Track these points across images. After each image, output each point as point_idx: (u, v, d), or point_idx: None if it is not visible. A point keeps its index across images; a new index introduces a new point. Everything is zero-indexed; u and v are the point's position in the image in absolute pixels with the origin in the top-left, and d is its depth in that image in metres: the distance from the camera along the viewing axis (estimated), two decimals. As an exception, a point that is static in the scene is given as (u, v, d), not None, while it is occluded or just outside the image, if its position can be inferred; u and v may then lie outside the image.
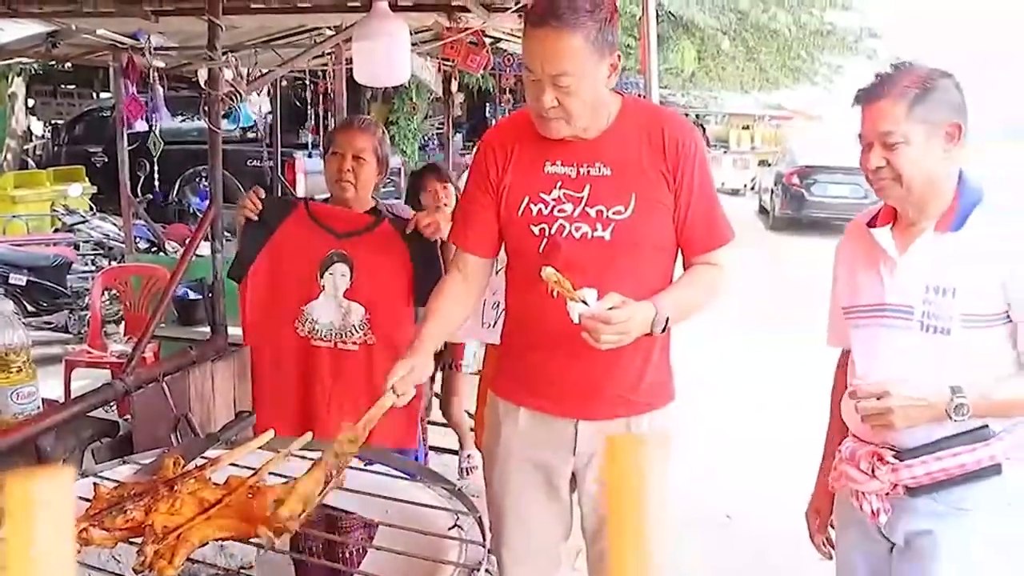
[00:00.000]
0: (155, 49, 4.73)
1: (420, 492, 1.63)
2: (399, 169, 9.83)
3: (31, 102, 13.49)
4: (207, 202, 2.75)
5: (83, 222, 7.32)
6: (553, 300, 1.59)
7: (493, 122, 8.54)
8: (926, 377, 1.53)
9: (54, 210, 8.32)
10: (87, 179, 9.87)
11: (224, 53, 2.84)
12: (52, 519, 0.42)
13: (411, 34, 3.48)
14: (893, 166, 1.55)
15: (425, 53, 5.14)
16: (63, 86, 14.53)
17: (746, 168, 19.39)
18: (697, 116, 21.32)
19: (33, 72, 12.35)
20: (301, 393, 2.34)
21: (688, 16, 11.96)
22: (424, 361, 1.71)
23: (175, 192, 9.99)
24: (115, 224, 7.03)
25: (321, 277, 2.31)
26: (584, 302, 1.53)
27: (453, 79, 6.31)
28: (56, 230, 7.83)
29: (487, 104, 11.08)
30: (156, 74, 5.18)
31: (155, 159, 5.59)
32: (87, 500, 1.37)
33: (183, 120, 9.66)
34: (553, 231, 1.73)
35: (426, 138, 13.10)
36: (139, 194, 7.50)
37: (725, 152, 20.21)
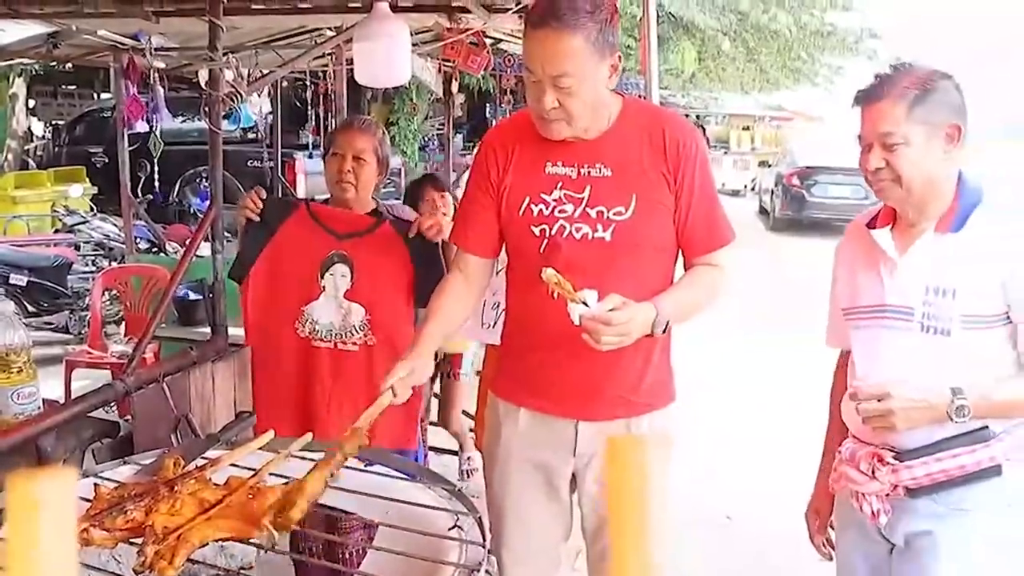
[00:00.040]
0: (156, 50, 4.73)
1: (420, 493, 1.63)
2: (399, 170, 9.84)
3: (32, 103, 13.52)
4: (207, 203, 2.75)
5: (84, 223, 7.33)
6: (553, 301, 1.59)
7: (493, 123, 8.55)
8: (926, 378, 1.53)
9: (55, 211, 8.32)
10: (88, 180, 9.87)
11: (225, 54, 2.84)
12: (54, 520, 0.42)
13: (411, 35, 3.49)
14: (893, 167, 1.55)
15: (425, 54, 5.14)
16: (64, 87, 14.56)
17: (746, 169, 19.40)
18: (697, 117, 21.33)
19: (34, 73, 12.37)
20: (301, 394, 2.34)
21: (688, 17, 11.98)
22: (424, 363, 1.72)
23: (175, 193, 9.99)
24: (115, 225, 7.03)
25: (322, 278, 2.31)
26: (584, 303, 1.54)
27: (453, 80, 6.31)
28: (57, 230, 7.83)
29: (487, 105, 11.08)
30: (157, 75, 5.19)
31: (155, 160, 5.59)
32: (88, 500, 1.37)
33: (184, 121, 9.65)
34: (554, 232, 1.73)
35: (426, 139, 13.11)
36: (139, 195, 7.50)
37: (725, 153, 20.21)
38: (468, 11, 3.69)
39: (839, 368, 1.88)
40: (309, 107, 7.41)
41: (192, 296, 3.55)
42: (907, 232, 1.64)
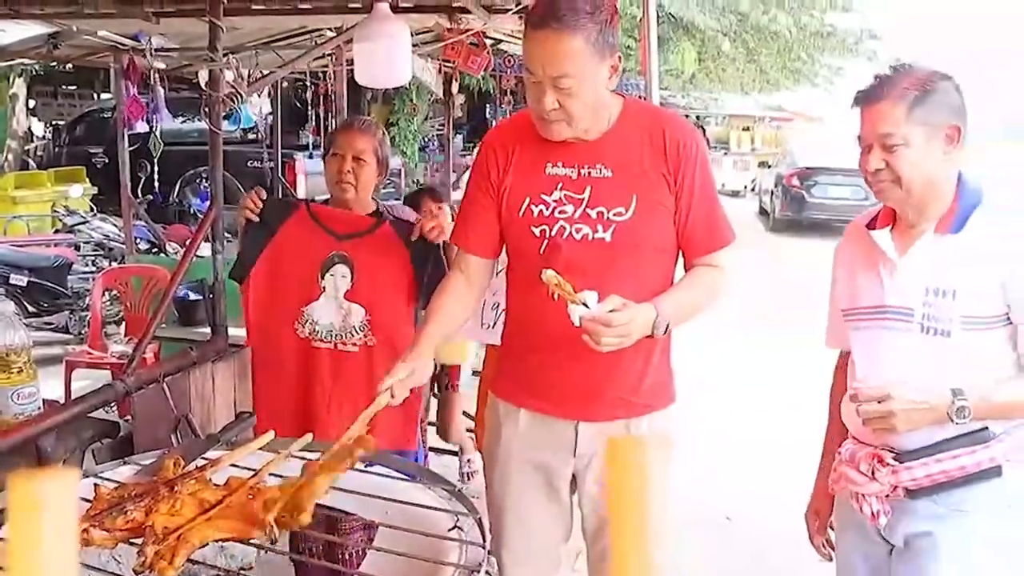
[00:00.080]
0: (156, 50, 4.74)
1: (420, 493, 1.63)
2: (399, 170, 9.83)
3: (32, 103, 13.52)
4: (207, 203, 2.75)
5: (84, 223, 7.33)
6: (554, 302, 1.59)
7: (493, 123, 8.55)
8: (926, 379, 1.53)
9: (55, 211, 8.32)
10: (88, 180, 9.88)
11: (225, 54, 2.84)
12: (55, 520, 0.42)
13: (412, 35, 3.49)
14: (892, 168, 1.55)
15: (426, 54, 5.14)
16: (64, 87, 14.56)
17: (746, 170, 19.40)
18: (697, 117, 21.33)
19: (34, 73, 12.38)
20: (301, 394, 2.34)
21: (689, 18, 11.98)
22: (423, 364, 1.72)
23: (176, 193, 9.99)
24: (116, 225, 7.04)
25: (322, 278, 2.31)
26: (585, 305, 1.53)
27: (454, 80, 6.31)
28: (57, 231, 7.83)
29: (487, 105, 11.08)
30: (157, 75, 5.19)
31: (156, 160, 5.60)
32: (88, 501, 1.37)
33: (184, 121, 9.65)
34: (554, 232, 1.73)
35: (426, 139, 13.11)
36: (140, 195, 7.50)
37: (725, 153, 20.21)
38: (468, 12, 3.69)
39: (838, 369, 1.88)
40: (309, 108, 7.41)
41: (192, 296, 3.55)
42: (907, 233, 1.64)
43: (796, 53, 14.15)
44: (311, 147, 8.70)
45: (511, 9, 3.62)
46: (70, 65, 8.37)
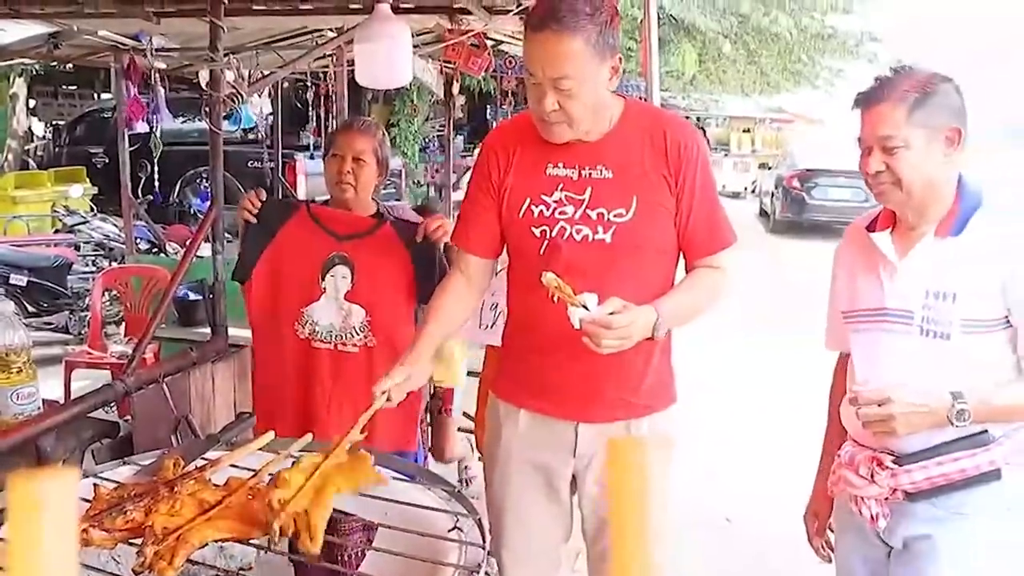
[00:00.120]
0: (156, 50, 4.74)
1: (420, 494, 1.63)
2: (400, 171, 9.83)
3: (32, 103, 13.52)
4: (208, 203, 2.75)
5: (84, 223, 7.33)
6: (554, 303, 1.59)
7: (494, 124, 8.56)
8: (926, 382, 1.53)
9: (55, 211, 8.32)
10: (88, 180, 9.87)
11: (226, 54, 2.84)
12: (55, 520, 0.42)
13: (412, 36, 3.49)
14: (893, 170, 1.55)
15: (426, 55, 5.15)
16: (64, 87, 14.56)
17: (747, 171, 19.40)
18: (698, 119, 21.33)
19: (35, 73, 12.38)
20: (301, 395, 2.34)
21: (689, 19, 11.98)
22: (421, 367, 1.73)
23: (176, 193, 9.99)
24: (116, 225, 7.04)
25: (322, 279, 2.31)
26: (585, 307, 1.53)
27: (454, 81, 6.32)
28: (57, 231, 7.83)
29: (488, 106, 11.10)
30: (157, 75, 5.20)
31: (156, 160, 5.60)
32: (87, 501, 1.38)
33: (184, 121, 9.65)
34: (554, 233, 1.73)
35: (427, 140, 13.10)
36: (140, 195, 7.51)
37: (726, 155, 20.21)
38: (469, 13, 3.70)
39: (838, 370, 1.88)
40: (310, 108, 7.42)
41: (192, 296, 3.56)
42: (907, 235, 1.63)
43: (797, 55, 14.16)
44: (311, 147, 8.71)
45: (512, 10, 3.62)
46: (70, 65, 8.37)
